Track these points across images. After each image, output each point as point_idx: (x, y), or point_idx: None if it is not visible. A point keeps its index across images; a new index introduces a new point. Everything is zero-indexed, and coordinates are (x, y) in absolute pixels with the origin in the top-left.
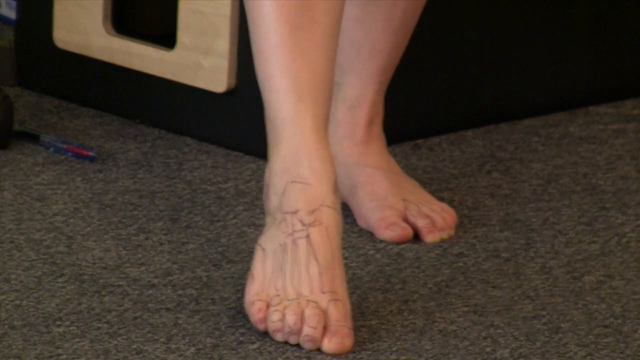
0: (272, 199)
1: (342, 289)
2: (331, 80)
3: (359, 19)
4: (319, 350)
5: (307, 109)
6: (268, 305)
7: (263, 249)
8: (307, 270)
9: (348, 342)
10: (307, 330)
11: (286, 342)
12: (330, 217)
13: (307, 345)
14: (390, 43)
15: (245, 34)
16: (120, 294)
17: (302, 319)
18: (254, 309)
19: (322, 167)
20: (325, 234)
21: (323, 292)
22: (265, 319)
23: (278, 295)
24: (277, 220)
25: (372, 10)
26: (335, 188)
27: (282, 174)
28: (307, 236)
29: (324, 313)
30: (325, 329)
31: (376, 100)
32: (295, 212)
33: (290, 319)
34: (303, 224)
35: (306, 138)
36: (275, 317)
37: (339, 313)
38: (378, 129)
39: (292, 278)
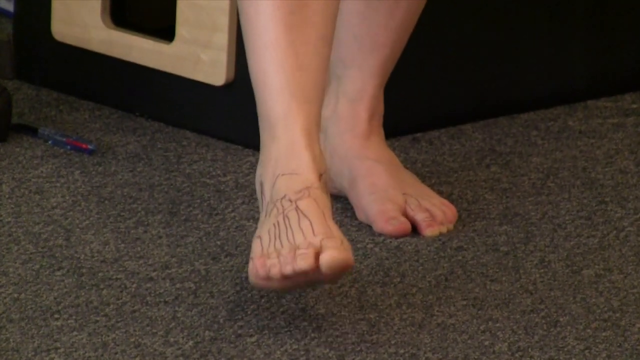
0: (267, 195)
1: (338, 232)
2: (324, 79)
3: (361, 13)
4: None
5: (300, 108)
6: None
7: (259, 237)
8: (299, 225)
9: (347, 253)
10: (300, 251)
11: (288, 334)
12: (318, 194)
13: (300, 261)
14: (391, 38)
15: None
16: (118, 287)
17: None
18: (258, 263)
19: (311, 161)
20: (313, 202)
21: (315, 235)
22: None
23: (275, 251)
24: (269, 210)
25: (375, 6)
26: (323, 178)
27: (273, 170)
28: (296, 207)
29: (319, 249)
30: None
31: (377, 94)
32: (283, 197)
33: (284, 250)
34: (291, 201)
35: (298, 136)
36: (272, 256)
37: (335, 241)
38: (378, 123)
39: (287, 236)
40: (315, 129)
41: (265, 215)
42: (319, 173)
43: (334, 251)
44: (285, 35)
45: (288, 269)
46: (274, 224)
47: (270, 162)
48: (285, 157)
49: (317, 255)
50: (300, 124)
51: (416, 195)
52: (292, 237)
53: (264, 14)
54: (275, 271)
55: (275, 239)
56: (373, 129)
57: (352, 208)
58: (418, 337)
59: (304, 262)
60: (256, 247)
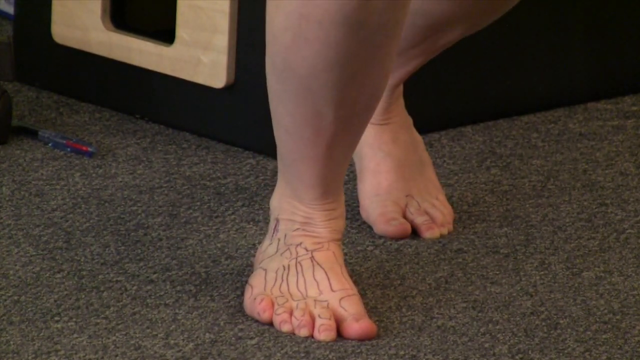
0: (280, 232)
1: (354, 288)
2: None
3: None
4: (328, 341)
5: (328, 195)
6: (273, 304)
7: (265, 270)
8: (313, 276)
9: (374, 326)
10: (320, 321)
11: (288, 337)
12: (336, 247)
13: (324, 335)
14: (406, 69)
15: (244, 30)
16: (118, 289)
17: (311, 315)
18: (261, 306)
19: (329, 232)
20: (331, 255)
21: (333, 291)
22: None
23: (282, 296)
24: (280, 250)
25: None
26: (340, 236)
27: (292, 219)
28: (312, 257)
29: (337, 312)
30: (342, 322)
31: (392, 95)
32: (299, 244)
33: (298, 312)
34: (307, 250)
35: (322, 214)
36: (280, 310)
37: (356, 306)
38: (398, 107)
39: (297, 284)
40: (342, 201)
41: (276, 252)
42: (339, 235)
43: (364, 324)
44: (327, 155)
45: (303, 332)
46: (283, 266)
47: (291, 213)
48: (307, 222)
49: (336, 321)
50: (327, 207)
51: (419, 196)
52: (303, 287)
53: (309, 139)
54: (286, 328)
55: (282, 280)
56: (392, 115)
57: (351, 210)
58: (418, 339)
59: (326, 336)
60: (259, 279)
